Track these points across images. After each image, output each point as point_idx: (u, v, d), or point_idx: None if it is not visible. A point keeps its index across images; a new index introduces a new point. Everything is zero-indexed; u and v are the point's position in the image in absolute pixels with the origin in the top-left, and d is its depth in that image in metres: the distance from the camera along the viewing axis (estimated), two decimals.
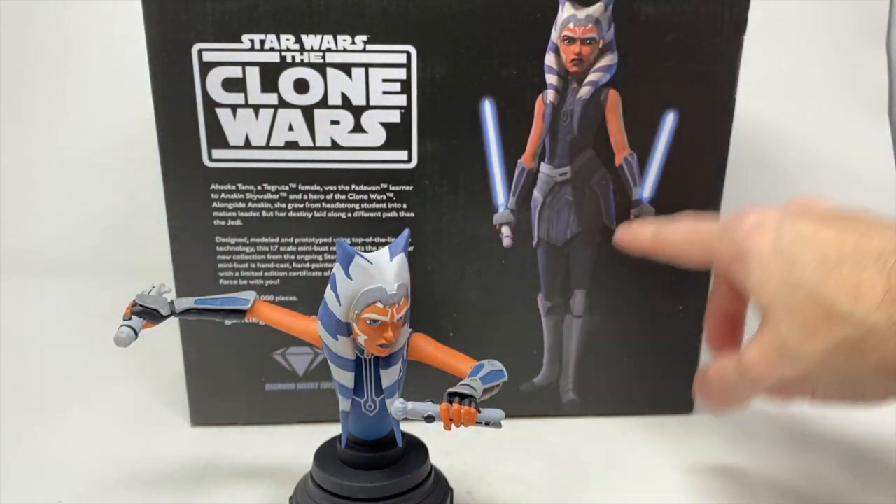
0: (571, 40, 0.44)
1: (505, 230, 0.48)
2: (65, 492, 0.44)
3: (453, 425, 0.32)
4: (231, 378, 0.50)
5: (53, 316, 0.64)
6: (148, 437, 0.50)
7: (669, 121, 0.46)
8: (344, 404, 0.37)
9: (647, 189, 0.48)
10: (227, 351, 0.49)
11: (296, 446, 0.49)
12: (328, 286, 0.34)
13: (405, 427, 0.38)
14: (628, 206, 0.48)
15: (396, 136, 0.45)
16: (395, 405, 0.34)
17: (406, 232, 0.34)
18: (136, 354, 0.59)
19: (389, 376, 0.35)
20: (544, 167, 0.47)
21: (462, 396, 0.32)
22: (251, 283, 0.48)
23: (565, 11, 0.44)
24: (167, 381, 0.55)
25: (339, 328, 0.34)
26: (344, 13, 0.43)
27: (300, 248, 0.47)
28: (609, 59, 0.45)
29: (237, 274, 0.48)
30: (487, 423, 0.32)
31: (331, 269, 0.47)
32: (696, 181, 0.48)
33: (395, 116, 0.45)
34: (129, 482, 0.46)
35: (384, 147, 0.45)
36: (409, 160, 0.46)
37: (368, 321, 0.33)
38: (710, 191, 0.48)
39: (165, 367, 0.55)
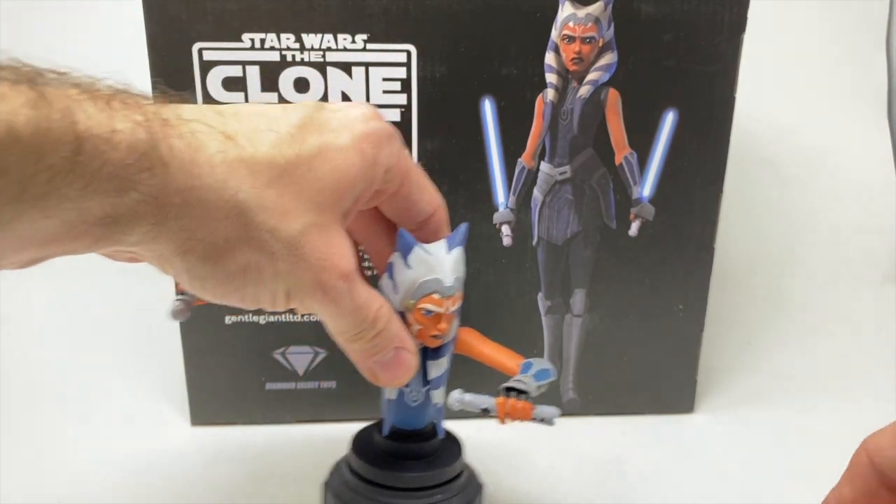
0: (571, 39, 0.44)
1: (505, 229, 0.48)
2: (65, 492, 0.44)
3: (507, 420, 0.32)
4: (231, 378, 0.50)
5: (54, 316, 0.63)
6: (148, 437, 0.50)
7: (669, 120, 0.46)
8: (389, 393, 0.37)
9: (646, 188, 0.48)
10: (227, 351, 0.49)
11: (296, 446, 0.49)
12: (385, 274, 0.34)
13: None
14: (628, 205, 0.48)
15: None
16: (453, 396, 0.34)
17: (464, 226, 0.34)
18: (136, 354, 0.59)
19: (437, 368, 0.35)
20: (544, 166, 0.47)
21: (518, 392, 0.32)
22: None
23: (565, 10, 0.44)
24: (167, 381, 0.55)
25: None
26: (344, 12, 0.43)
27: None
28: (609, 58, 0.45)
29: None
30: (542, 420, 0.32)
31: None
32: (696, 181, 0.48)
33: (395, 115, 0.45)
34: (129, 482, 0.46)
35: None
36: None
37: (424, 311, 0.33)
38: (710, 190, 0.48)
39: (165, 367, 0.55)
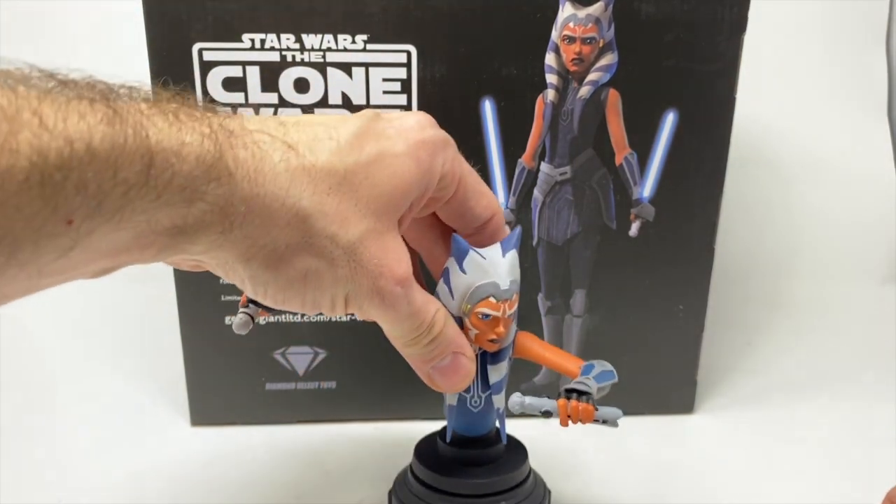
0: (572, 39, 0.44)
1: (505, 230, 0.48)
2: (65, 492, 0.44)
3: (570, 422, 0.32)
4: (231, 378, 0.50)
5: (54, 316, 0.63)
6: (148, 437, 0.50)
7: (669, 120, 0.46)
8: (450, 399, 0.37)
9: (647, 188, 0.48)
10: (227, 351, 0.49)
11: (296, 446, 0.49)
12: (441, 280, 0.34)
13: None
14: (628, 206, 0.48)
15: None
16: (513, 399, 0.34)
17: (518, 229, 0.34)
18: (136, 354, 0.59)
19: (497, 372, 0.35)
20: (544, 166, 0.47)
21: (579, 393, 0.32)
22: None
23: (565, 11, 0.44)
24: (167, 381, 0.55)
25: None
26: (344, 12, 0.43)
27: None
28: (609, 59, 0.45)
29: None
30: (605, 421, 0.32)
31: None
32: (696, 181, 0.48)
33: None
34: (129, 482, 0.46)
35: None
36: None
37: (481, 315, 0.33)
38: (710, 191, 0.48)
39: (165, 367, 0.55)
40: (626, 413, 0.53)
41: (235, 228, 0.26)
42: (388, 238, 0.30)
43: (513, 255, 0.34)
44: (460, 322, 0.34)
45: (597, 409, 0.32)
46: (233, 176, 0.25)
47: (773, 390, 0.57)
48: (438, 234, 0.36)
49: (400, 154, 0.30)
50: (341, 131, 0.29)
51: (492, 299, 0.33)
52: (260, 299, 0.30)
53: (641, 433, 0.51)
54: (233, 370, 0.50)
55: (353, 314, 0.31)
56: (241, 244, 0.27)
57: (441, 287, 0.34)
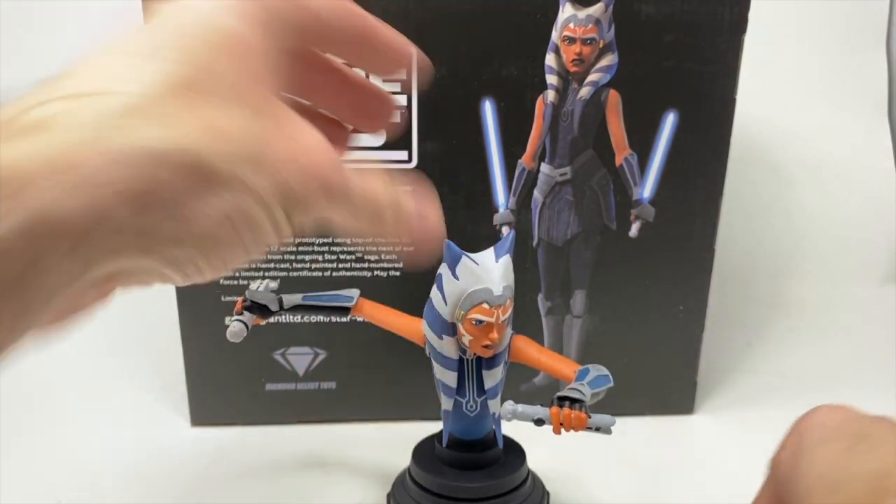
0: (572, 40, 0.44)
1: (505, 230, 0.48)
2: (65, 492, 0.44)
3: (563, 429, 0.32)
4: (231, 378, 0.50)
5: None
6: (148, 437, 0.50)
7: (669, 121, 0.46)
8: (446, 403, 0.37)
9: (647, 189, 0.48)
10: (227, 351, 0.49)
11: (296, 446, 0.49)
12: (434, 286, 0.34)
13: None
14: (629, 207, 0.48)
15: (396, 136, 0.45)
16: (505, 407, 0.34)
17: (511, 234, 0.34)
18: (136, 354, 0.59)
19: (492, 377, 0.35)
20: (544, 167, 0.47)
21: (572, 401, 0.32)
22: (252, 283, 0.48)
23: (566, 11, 0.44)
24: (167, 381, 0.55)
25: (444, 328, 0.34)
26: None
27: (300, 249, 0.47)
28: (609, 60, 0.45)
29: (237, 274, 0.48)
30: (598, 429, 0.32)
31: (330, 269, 0.47)
32: (696, 181, 0.48)
33: (395, 116, 0.45)
34: (129, 482, 0.46)
35: (384, 147, 0.45)
36: (410, 160, 0.46)
37: (474, 322, 0.33)
38: (710, 191, 0.48)
39: (165, 367, 0.55)
40: (627, 413, 0.53)
41: (94, 238, 0.19)
42: (282, 120, 0.22)
43: (506, 260, 0.33)
44: (454, 328, 0.34)
45: (590, 417, 0.32)
46: (13, 187, 0.17)
47: (773, 390, 0.57)
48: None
49: (226, 27, 0.22)
50: (144, 41, 0.21)
51: (485, 305, 0.33)
52: (197, 280, 0.23)
53: (641, 434, 0.51)
54: (233, 370, 0.50)
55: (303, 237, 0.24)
56: (116, 250, 0.19)
57: (434, 293, 0.34)
